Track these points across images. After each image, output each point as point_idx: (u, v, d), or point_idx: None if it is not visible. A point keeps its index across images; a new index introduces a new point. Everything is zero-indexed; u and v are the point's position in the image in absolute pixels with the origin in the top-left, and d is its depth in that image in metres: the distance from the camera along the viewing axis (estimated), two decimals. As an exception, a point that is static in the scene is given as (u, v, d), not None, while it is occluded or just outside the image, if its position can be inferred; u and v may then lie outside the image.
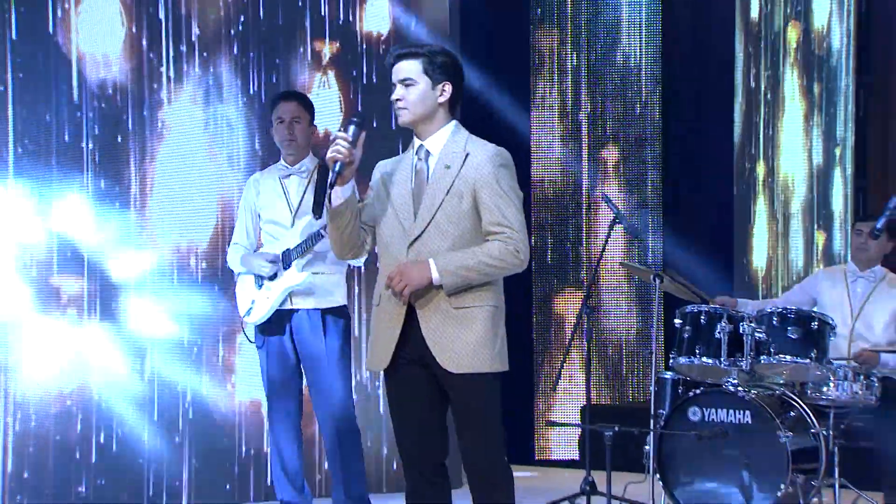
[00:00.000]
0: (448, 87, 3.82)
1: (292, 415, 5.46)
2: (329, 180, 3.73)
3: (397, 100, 3.79)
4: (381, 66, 7.23)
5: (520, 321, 8.16)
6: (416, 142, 3.87)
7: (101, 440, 6.37)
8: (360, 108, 7.18)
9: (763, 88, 8.93)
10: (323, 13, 7.07)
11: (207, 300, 6.65)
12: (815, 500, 6.12)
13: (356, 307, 6.90)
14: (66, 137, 6.36)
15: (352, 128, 3.75)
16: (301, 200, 5.39)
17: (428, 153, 3.83)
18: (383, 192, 3.86)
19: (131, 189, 6.52)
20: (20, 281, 6.22)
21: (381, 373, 3.88)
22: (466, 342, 3.72)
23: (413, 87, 3.79)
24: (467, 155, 3.78)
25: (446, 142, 3.82)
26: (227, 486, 6.67)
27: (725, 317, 6.07)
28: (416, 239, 3.75)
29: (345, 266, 5.45)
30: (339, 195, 3.74)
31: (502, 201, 3.73)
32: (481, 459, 3.79)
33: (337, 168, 3.70)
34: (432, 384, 3.80)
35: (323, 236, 5.20)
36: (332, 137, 3.75)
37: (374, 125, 7.20)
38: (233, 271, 5.67)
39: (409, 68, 3.79)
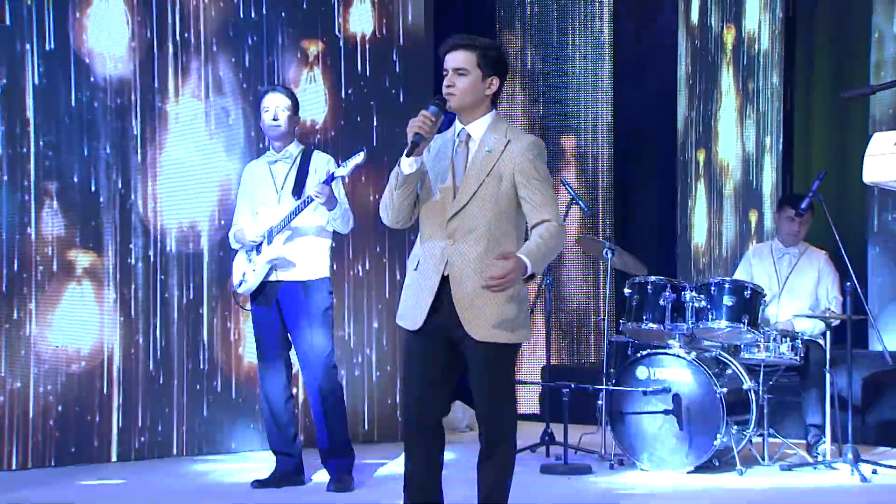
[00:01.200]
0: (496, 82, 3.78)
1: (281, 374, 5.42)
2: (406, 151, 3.66)
3: (449, 86, 3.73)
4: (363, 64, 7.20)
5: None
6: (458, 125, 3.81)
7: (121, 401, 6.33)
8: (343, 103, 7.14)
9: (702, 84, 8.94)
10: (311, 15, 7.03)
11: (206, 272, 6.62)
12: (747, 447, 6.15)
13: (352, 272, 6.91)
14: (80, 126, 6.28)
15: (433, 107, 3.69)
16: (284, 183, 5.38)
17: (469, 136, 3.78)
18: (428, 166, 3.79)
19: (139, 173, 6.45)
20: (48, 257, 6.15)
21: (406, 330, 3.80)
22: (493, 313, 3.67)
23: (465, 77, 3.73)
24: (508, 142, 3.73)
25: (487, 128, 3.78)
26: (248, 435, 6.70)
27: (669, 287, 6.09)
28: (456, 213, 3.71)
29: (328, 241, 5.42)
30: (411, 165, 3.70)
31: (542, 187, 3.71)
32: (498, 420, 3.75)
33: (416, 140, 3.65)
34: (450, 349, 3.75)
35: (300, 212, 5.22)
36: (417, 116, 3.68)
37: (359, 119, 7.17)
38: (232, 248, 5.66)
39: (464, 59, 3.74)
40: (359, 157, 5.11)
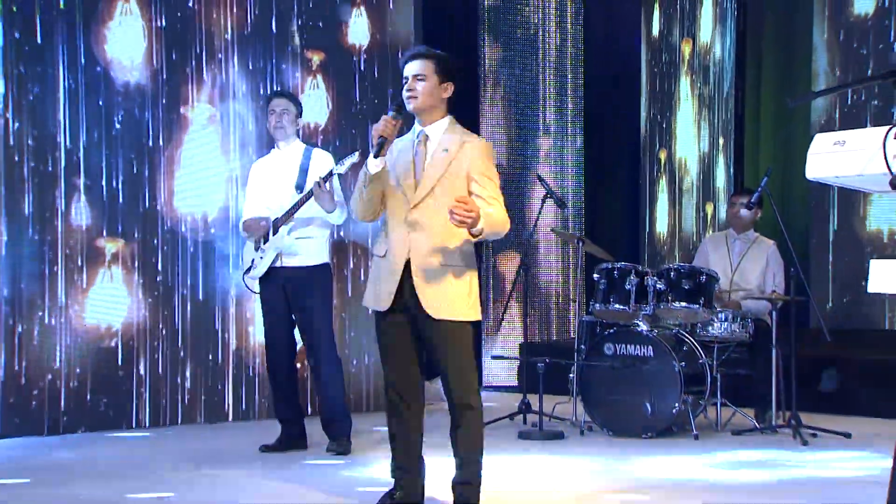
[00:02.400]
0: (450, 87, 3.79)
1: (286, 350, 5.40)
2: (372, 152, 3.66)
3: (410, 89, 3.74)
4: (361, 72, 7.19)
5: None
6: (418, 127, 3.81)
7: (146, 373, 6.31)
8: (342, 107, 7.12)
9: (663, 91, 8.92)
10: (314, 28, 7.03)
11: (218, 257, 6.61)
12: (702, 415, 6.15)
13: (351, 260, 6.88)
14: (105, 128, 6.25)
15: (392, 112, 3.70)
16: (286, 178, 5.33)
17: (428, 137, 3.77)
18: (390, 165, 3.78)
19: (158, 170, 6.43)
20: (79, 245, 6.13)
21: (374, 312, 3.80)
22: (448, 294, 3.67)
23: (423, 82, 3.74)
24: (463, 143, 3.74)
25: (444, 131, 3.77)
26: (257, 404, 6.70)
27: (633, 272, 6.08)
28: (416, 206, 3.70)
29: (327, 231, 5.40)
30: (377, 165, 3.69)
31: (491, 184, 3.72)
32: (462, 389, 3.72)
33: (380, 142, 3.65)
34: (415, 326, 3.74)
35: (301, 205, 5.19)
36: (380, 120, 3.69)
37: (356, 121, 7.16)
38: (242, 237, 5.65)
39: (422, 66, 3.75)
40: (354, 157, 5.08)
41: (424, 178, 3.72)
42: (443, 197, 3.67)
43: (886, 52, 7.51)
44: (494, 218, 3.64)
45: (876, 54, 7.56)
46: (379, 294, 3.75)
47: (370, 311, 3.93)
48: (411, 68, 3.76)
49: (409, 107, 3.74)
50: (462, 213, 3.47)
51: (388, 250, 3.75)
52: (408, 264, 3.69)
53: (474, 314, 3.74)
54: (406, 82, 3.75)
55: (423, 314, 3.67)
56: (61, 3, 6.09)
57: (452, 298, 3.67)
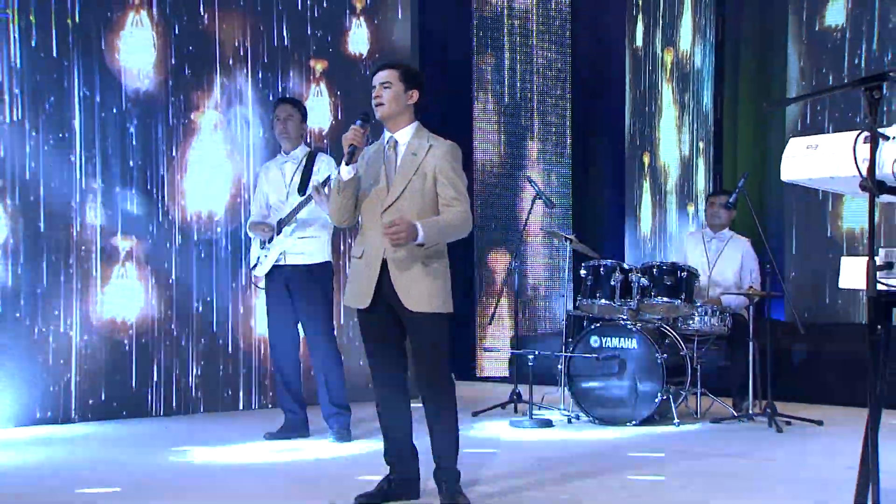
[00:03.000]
0: (415, 94, 3.79)
1: (290, 343, 5.39)
2: (344, 160, 3.68)
3: (377, 97, 3.75)
4: (362, 80, 7.19)
5: (466, 273, 8.14)
6: (387, 134, 3.81)
7: (157, 363, 6.31)
8: (343, 112, 7.11)
9: (646, 98, 8.92)
10: (317, 38, 7.03)
11: (222, 253, 6.60)
12: (683, 404, 6.15)
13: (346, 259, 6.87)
14: (118, 133, 6.25)
15: (360, 121, 3.72)
16: (291, 181, 5.33)
17: (396, 142, 3.78)
18: (363, 171, 3.79)
19: (166, 172, 6.42)
20: (95, 244, 6.13)
21: (356, 310, 3.80)
22: (423, 290, 3.67)
23: (389, 89, 3.74)
24: (430, 146, 3.74)
25: (412, 136, 3.78)
26: (262, 394, 6.70)
27: (618, 269, 6.08)
28: (389, 206, 3.70)
29: (328, 231, 5.38)
30: (349, 172, 3.70)
31: (456, 183, 3.72)
32: (431, 378, 3.75)
33: (351, 150, 3.65)
34: (395, 320, 3.75)
35: (303, 207, 5.19)
36: (349, 129, 3.71)
37: (352, 122, 7.15)
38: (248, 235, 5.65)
39: (388, 75, 3.76)
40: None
41: (395, 182, 3.72)
42: (413, 197, 3.69)
43: (856, 61, 7.52)
44: (444, 223, 3.65)
45: (847, 63, 7.57)
46: (359, 293, 3.76)
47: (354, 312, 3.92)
48: (378, 77, 3.77)
49: (378, 114, 3.75)
50: (391, 235, 3.52)
51: (365, 251, 3.75)
52: (384, 263, 3.69)
53: (448, 307, 3.74)
54: (374, 90, 3.76)
55: (402, 307, 3.68)
56: (77, 15, 6.08)
57: (428, 292, 3.68)
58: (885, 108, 7.07)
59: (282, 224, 5.26)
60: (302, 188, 5.27)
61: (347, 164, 3.69)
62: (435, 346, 3.73)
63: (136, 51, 6.32)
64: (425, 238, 3.59)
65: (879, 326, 2.43)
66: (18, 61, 5.88)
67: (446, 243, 3.78)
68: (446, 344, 3.77)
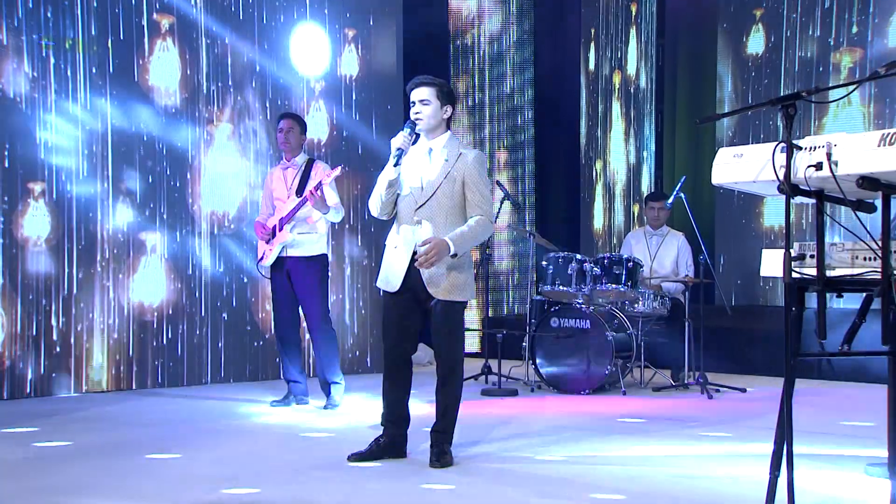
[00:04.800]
0: (449, 109, 3.76)
1: (292, 324, 5.37)
2: (393, 162, 3.64)
3: (418, 112, 3.70)
4: (352, 97, 7.17)
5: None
6: (424, 141, 3.76)
7: (179, 342, 6.27)
8: (338, 125, 7.08)
9: (598, 113, 8.93)
10: (315, 60, 7.00)
11: (234, 246, 6.56)
12: (629, 375, 6.18)
13: (345, 250, 6.84)
14: (145, 142, 6.20)
15: (408, 128, 3.67)
16: (292, 185, 5.30)
17: (431, 150, 3.74)
18: (402, 173, 3.75)
19: (188, 175, 6.38)
20: (125, 238, 6.10)
21: (384, 292, 3.77)
22: (448, 279, 3.65)
23: (428, 106, 3.70)
24: (460, 154, 3.71)
25: (444, 144, 3.74)
26: (268, 367, 6.68)
27: (574, 260, 6.09)
28: (422, 205, 3.68)
29: (325, 228, 5.35)
30: (395, 172, 3.67)
31: (481, 188, 3.70)
32: (447, 358, 3.72)
33: (398, 153, 3.62)
34: (417, 306, 3.72)
35: (301, 207, 5.16)
36: (396, 135, 3.68)
37: (344, 135, 7.14)
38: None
39: (427, 93, 3.71)
40: (336, 171, 5.08)
41: (429, 183, 3.69)
42: (444, 198, 3.67)
43: (775, 81, 7.57)
44: (470, 232, 3.63)
45: (767, 83, 7.63)
46: (390, 278, 3.72)
47: (381, 293, 3.89)
48: (418, 94, 3.70)
49: (417, 127, 3.70)
50: (424, 261, 3.51)
51: (398, 242, 3.72)
52: (414, 254, 3.65)
53: (468, 295, 3.72)
54: (413, 105, 3.70)
55: (426, 294, 3.65)
56: (121, 35, 6.07)
57: (451, 282, 3.65)
58: (798, 123, 7.13)
59: (283, 221, 5.24)
60: (300, 191, 5.25)
61: (396, 166, 3.65)
62: (453, 330, 3.70)
63: (164, 72, 6.28)
64: (457, 250, 3.58)
65: (794, 308, 2.45)
66: (83, 80, 5.87)
67: None
68: (462, 329, 3.75)
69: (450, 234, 3.61)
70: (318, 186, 5.05)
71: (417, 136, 3.75)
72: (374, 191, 3.77)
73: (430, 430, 3.76)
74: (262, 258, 5.37)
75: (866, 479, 3.47)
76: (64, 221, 5.84)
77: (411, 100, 3.73)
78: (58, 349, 5.78)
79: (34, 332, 5.70)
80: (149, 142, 6.22)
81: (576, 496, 3.21)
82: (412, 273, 3.66)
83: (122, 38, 6.08)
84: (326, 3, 7.09)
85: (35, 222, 5.75)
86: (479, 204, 3.68)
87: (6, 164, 5.66)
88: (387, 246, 3.81)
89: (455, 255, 3.60)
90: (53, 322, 5.77)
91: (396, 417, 3.80)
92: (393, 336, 3.75)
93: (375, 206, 3.77)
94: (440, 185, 3.67)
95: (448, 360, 3.72)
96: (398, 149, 3.62)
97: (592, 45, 8.94)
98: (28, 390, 5.66)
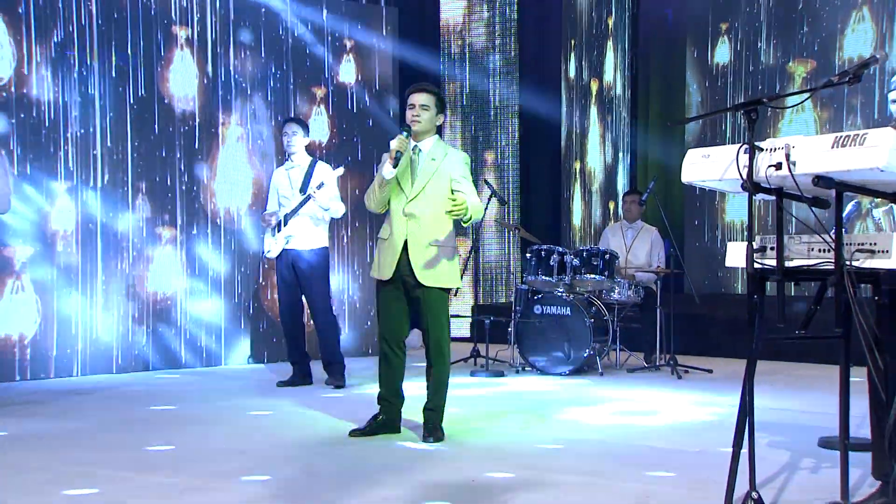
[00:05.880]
0: (441, 117, 3.78)
1: (296, 311, 5.35)
2: (392, 163, 3.61)
3: (416, 115, 3.69)
4: (350, 102, 7.16)
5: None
6: (413, 142, 3.75)
7: (189, 326, 6.26)
8: (339, 128, 7.06)
9: (577, 118, 8.93)
10: (316, 69, 6.97)
11: (244, 239, 6.55)
12: (606, 357, 6.20)
13: (346, 243, 6.83)
14: (162, 143, 6.18)
15: (405, 132, 3.66)
16: (296, 183, 5.28)
17: (421, 151, 3.74)
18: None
19: (201, 174, 6.36)
20: (142, 231, 6.08)
21: (378, 280, 3.76)
22: (436, 268, 3.66)
23: (427, 111, 3.71)
24: (446, 154, 3.73)
25: (432, 146, 3.75)
26: (274, 350, 6.65)
27: (556, 252, 6.09)
28: (412, 200, 3.68)
29: (325, 223, 5.34)
30: (392, 171, 3.66)
31: (467, 183, 3.71)
32: (438, 337, 3.72)
33: (398, 155, 3.62)
34: (407, 293, 3.71)
35: (304, 204, 5.15)
36: (394, 138, 3.66)
37: (343, 138, 7.12)
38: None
39: (427, 98, 3.71)
40: (339, 171, 5.06)
41: (418, 180, 3.69)
42: (432, 194, 3.68)
43: (739, 89, 7.59)
44: (476, 206, 3.65)
45: (731, 91, 7.64)
46: (382, 267, 3.72)
47: (374, 281, 3.87)
48: (420, 98, 3.70)
49: (414, 128, 3.69)
50: (455, 208, 3.49)
51: (391, 234, 3.72)
52: (405, 245, 3.66)
53: (455, 282, 3.73)
54: (412, 109, 3.69)
55: (416, 282, 3.65)
56: (141, 52, 6.06)
57: (439, 271, 3.66)
58: (758, 126, 7.16)
59: (288, 217, 5.23)
60: (303, 189, 5.23)
61: (395, 167, 3.63)
62: (439, 314, 3.70)
63: (181, 80, 6.27)
64: (472, 215, 3.58)
65: (756, 296, 2.46)
66: (106, 92, 5.85)
67: (454, 233, 3.76)
68: (448, 314, 3.74)
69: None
70: (320, 186, 5.04)
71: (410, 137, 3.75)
72: (371, 188, 3.77)
73: (422, 408, 3.75)
74: (268, 250, 5.37)
75: (819, 450, 3.49)
76: (85, 215, 5.80)
77: (411, 103, 3.71)
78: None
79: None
80: (166, 143, 6.19)
81: (556, 465, 3.22)
82: (402, 262, 3.67)
83: (144, 48, 6.07)
84: (328, 18, 7.06)
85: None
86: (470, 193, 3.68)
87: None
88: (379, 238, 3.81)
89: (468, 221, 3.59)
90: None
91: (391, 396, 3.79)
92: (386, 321, 3.75)
93: (372, 201, 3.77)
94: (429, 181, 3.68)
95: (436, 343, 3.71)
96: (398, 152, 3.61)
97: (572, 55, 8.93)
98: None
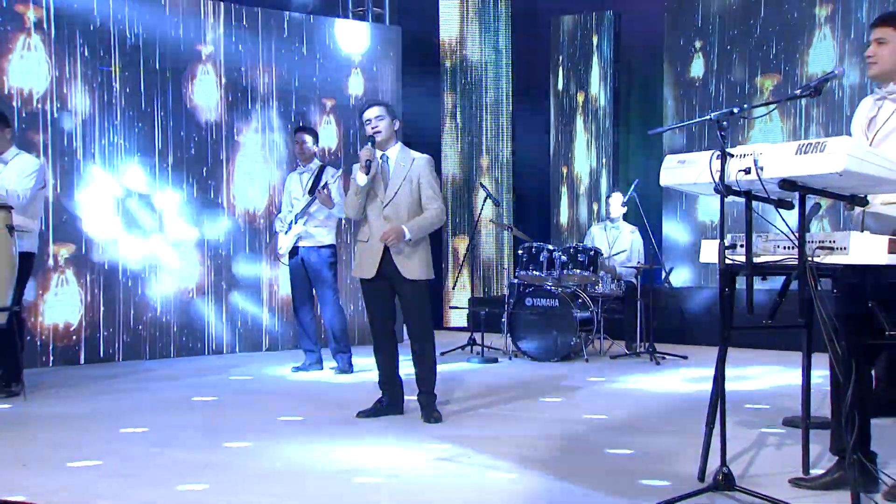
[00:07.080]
0: (397, 122, 3.80)
1: (307, 303, 5.36)
2: (365, 171, 3.65)
3: (375, 128, 3.72)
4: (358, 113, 7.13)
5: (436, 253, 8.12)
6: (379, 152, 3.77)
7: (210, 316, 6.25)
8: (347, 137, 7.06)
9: (564, 127, 8.93)
10: (327, 81, 6.95)
11: (262, 240, 6.55)
12: (591, 345, 6.20)
13: (348, 241, 6.83)
14: (189, 151, 6.18)
15: (370, 143, 3.70)
16: (306, 187, 5.30)
17: (388, 158, 3.76)
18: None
19: (223, 179, 6.36)
20: (161, 230, 6.08)
21: (361, 279, 3.78)
22: (415, 263, 3.69)
23: (382, 121, 3.73)
24: (413, 160, 3.74)
25: (398, 153, 3.77)
26: (287, 338, 6.65)
27: (545, 249, 6.09)
28: (387, 204, 3.71)
29: (333, 221, 5.34)
30: (365, 179, 3.68)
31: (433, 187, 3.74)
32: (418, 327, 3.75)
33: (367, 164, 3.65)
34: (390, 288, 3.74)
35: (311, 205, 5.17)
36: (362, 150, 3.71)
37: (351, 143, 7.10)
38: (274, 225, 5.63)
39: (380, 111, 3.75)
40: (339, 172, 5.12)
41: (391, 185, 3.72)
42: (404, 197, 3.70)
43: (711, 101, 7.60)
44: (424, 222, 3.68)
45: (705, 103, 7.67)
46: (364, 267, 3.74)
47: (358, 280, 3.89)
48: (373, 112, 3.74)
49: (377, 139, 3.72)
50: (388, 240, 3.59)
51: (370, 236, 3.74)
52: (385, 246, 3.68)
53: (430, 274, 3.77)
54: (369, 123, 3.73)
55: (399, 276, 3.67)
56: (167, 68, 6.06)
57: (417, 265, 3.68)
58: (730, 135, 7.17)
59: (298, 217, 5.24)
60: (311, 192, 5.24)
61: (367, 175, 3.66)
62: (421, 303, 3.72)
63: (205, 92, 6.26)
64: (411, 236, 3.64)
65: (727, 289, 2.47)
66: (121, 100, 5.86)
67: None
68: (428, 302, 3.77)
69: (408, 222, 3.66)
70: (325, 186, 5.05)
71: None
72: (348, 196, 3.79)
73: (416, 396, 3.77)
74: (280, 247, 5.37)
75: (784, 429, 3.51)
76: (114, 215, 5.80)
77: (366, 118, 3.74)
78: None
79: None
80: (188, 149, 6.20)
81: (543, 443, 3.23)
82: (385, 261, 3.69)
83: (171, 64, 6.09)
84: (335, 36, 7.06)
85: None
86: (433, 198, 3.72)
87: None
88: (359, 241, 3.82)
89: (409, 240, 3.64)
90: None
91: (390, 381, 3.82)
92: (374, 314, 3.78)
93: (350, 208, 3.78)
94: (400, 186, 3.71)
95: (421, 332, 3.74)
96: (367, 160, 3.64)
97: (560, 69, 8.93)
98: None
